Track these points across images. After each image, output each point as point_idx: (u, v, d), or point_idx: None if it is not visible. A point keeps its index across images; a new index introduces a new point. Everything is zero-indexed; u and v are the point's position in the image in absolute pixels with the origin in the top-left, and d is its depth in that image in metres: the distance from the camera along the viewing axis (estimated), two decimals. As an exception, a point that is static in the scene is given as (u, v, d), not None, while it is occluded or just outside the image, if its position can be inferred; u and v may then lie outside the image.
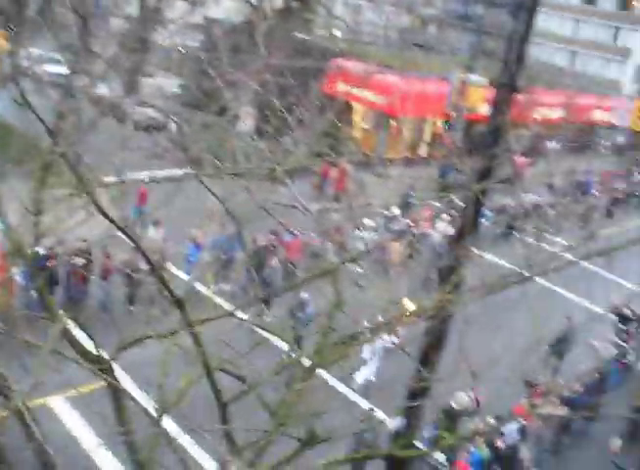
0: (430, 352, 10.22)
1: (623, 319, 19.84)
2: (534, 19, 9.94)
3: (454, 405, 14.21)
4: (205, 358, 7.21)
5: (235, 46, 9.03)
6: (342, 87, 32.21)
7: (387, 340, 15.57)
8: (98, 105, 8.96)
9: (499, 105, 10.11)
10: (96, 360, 7.45)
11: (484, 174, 9.32)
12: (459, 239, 9.85)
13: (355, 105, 36.87)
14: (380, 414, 13.88)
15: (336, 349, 7.18)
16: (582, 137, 48.65)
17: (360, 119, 38.09)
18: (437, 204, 25.87)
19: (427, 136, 39.87)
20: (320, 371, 7.61)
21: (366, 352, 15.90)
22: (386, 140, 37.48)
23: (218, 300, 16.31)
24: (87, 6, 21.68)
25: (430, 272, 20.81)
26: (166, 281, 7.18)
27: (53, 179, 7.17)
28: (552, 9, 63.44)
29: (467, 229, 9.64)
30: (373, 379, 16.53)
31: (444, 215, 24.48)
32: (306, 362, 7.49)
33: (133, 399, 7.84)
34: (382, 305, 6.97)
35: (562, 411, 14.36)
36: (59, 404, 14.17)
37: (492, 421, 12.92)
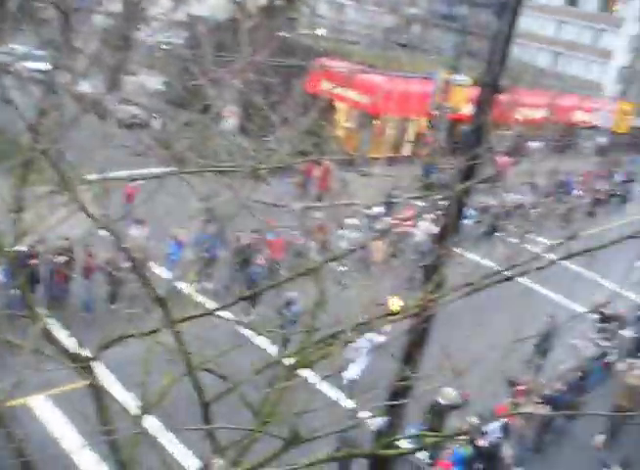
0: (412, 350, 10.25)
1: (605, 318, 19.98)
2: (518, 19, 9.97)
3: (441, 400, 14.28)
4: (188, 357, 7.19)
5: (219, 44, 8.99)
6: (325, 86, 32.18)
7: (371, 338, 15.59)
8: (80, 102, 8.88)
9: (482, 105, 10.14)
10: (77, 359, 7.41)
11: (467, 174, 9.34)
12: (442, 238, 9.87)
13: (339, 104, 36.86)
14: (363, 413, 13.92)
15: (318, 348, 7.18)
16: (565, 138, 48.98)
17: (344, 119, 38.10)
18: (421, 203, 25.91)
19: (410, 136, 39.94)
20: (303, 370, 7.60)
21: (349, 350, 15.92)
22: (369, 139, 37.53)
23: (201, 298, 16.28)
24: (69, 1, 21.51)
25: (413, 271, 20.86)
26: (148, 279, 7.15)
27: (34, 176, 7.13)
28: (535, 10, 63.78)
29: (449, 228, 9.66)
30: (356, 378, 16.55)
31: (427, 215, 24.52)
32: (289, 362, 7.48)
33: (114, 398, 7.80)
34: (365, 304, 6.97)
35: (544, 410, 14.44)
36: (40, 404, 14.07)
37: (475, 420, 12.97)
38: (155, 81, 39.25)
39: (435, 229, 16.91)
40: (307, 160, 8.96)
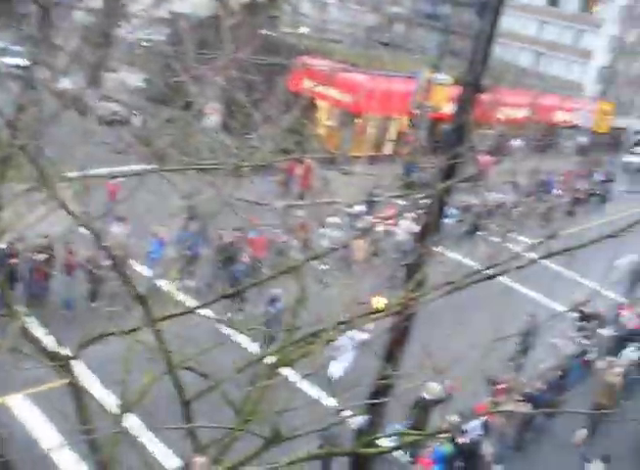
0: (394, 349, 10.27)
1: (584, 317, 20.11)
2: (500, 19, 10.01)
3: (426, 395, 14.35)
4: (168, 356, 7.15)
5: (201, 41, 8.95)
6: (307, 84, 32.18)
7: (352, 336, 15.60)
8: (60, 98, 8.82)
9: (464, 104, 10.17)
10: (57, 358, 7.36)
11: (449, 173, 9.37)
12: (423, 237, 9.89)
13: (321, 102, 36.85)
14: (344, 412, 13.93)
15: (299, 346, 7.17)
16: (546, 137, 49.26)
17: (326, 117, 38.09)
18: (402, 202, 25.98)
19: (392, 134, 40.00)
20: (284, 369, 7.59)
21: (331, 348, 15.94)
22: (351, 138, 37.54)
23: (183, 296, 16.21)
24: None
25: (394, 270, 20.89)
26: (129, 277, 7.11)
27: (12, 173, 7.05)
28: (517, 10, 64.10)
29: (431, 227, 9.69)
30: (340, 375, 16.60)
31: (409, 213, 24.58)
32: (270, 360, 7.46)
33: (94, 397, 7.75)
34: (346, 303, 6.97)
35: (524, 408, 14.52)
36: (18, 403, 13.94)
37: (455, 418, 13.01)
38: (135, 78, 39.04)
39: (417, 228, 16.95)
40: (289, 158, 8.95)
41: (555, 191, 36.36)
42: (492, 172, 33.67)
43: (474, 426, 14.11)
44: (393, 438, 9.96)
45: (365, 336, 15.56)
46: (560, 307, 21.00)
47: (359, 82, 35.52)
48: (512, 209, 30.90)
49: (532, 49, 69.26)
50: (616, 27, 65.06)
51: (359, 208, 25.33)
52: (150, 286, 7.33)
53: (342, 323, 6.90)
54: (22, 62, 13.25)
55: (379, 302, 9.29)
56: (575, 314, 19.89)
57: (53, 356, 7.38)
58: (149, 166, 7.21)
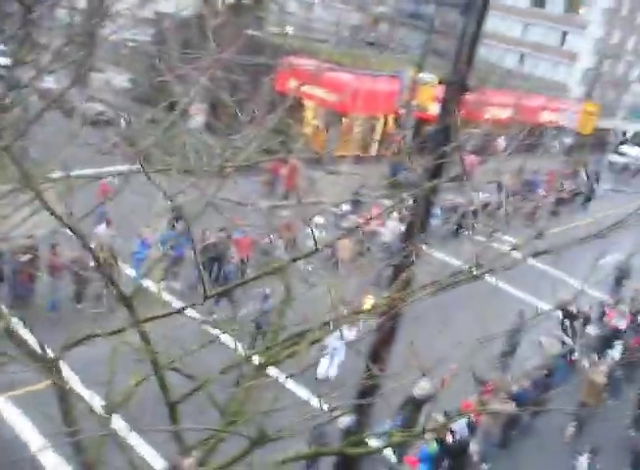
0: (380, 348, 10.25)
1: (570, 316, 20.20)
2: (484, 20, 10.02)
3: (416, 393, 14.38)
4: (154, 357, 7.12)
5: (186, 41, 8.93)
6: (293, 84, 32.16)
7: (338, 337, 15.61)
8: (44, 98, 8.74)
9: (449, 103, 10.17)
10: (42, 359, 7.31)
11: (435, 173, 9.37)
12: (409, 237, 9.89)
13: (306, 102, 36.84)
14: (332, 411, 13.94)
15: (285, 347, 7.16)
16: (531, 137, 49.38)
17: (311, 117, 38.08)
18: (388, 201, 25.98)
19: (377, 134, 40.03)
20: (272, 369, 7.58)
21: (320, 347, 15.99)
22: (337, 137, 37.54)
23: (168, 297, 16.15)
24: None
25: (381, 270, 20.86)
26: (114, 279, 7.07)
27: (-4, 174, 7.00)
28: (502, 11, 64.40)
29: (417, 227, 9.68)
30: (331, 374, 16.66)
31: (395, 213, 24.59)
32: (257, 360, 7.45)
33: (80, 398, 7.70)
34: (332, 303, 6.96)
35: (510, 407, 14.57)
36: (2, 406, 13.84)
37: (441, 418, 13.04)
38: (120, 78, 38.86)
39: (403, 228, 16.98)
40: (275, 158, 8.93)
41: (540, 190, 36.51)
42: (478, 172, 33.75)
43: (460, 425, 14.15)
44: (381, 437, 9.97)
45: (354, 334, 15.58)
46: (546, 306, 21.08)
47: (345, 82, 35.52)
48: (497, 208, 30.98)
49: (517, 50, 69.59)
50: (600, 29, 65.49)
51: (345, 207, 25.34)
52: (135, 287, 7.29)
53: (328, 323, 6.89)
54: (6, 61, 13.14)
55: (370, 301, 9.30)
56: (561, 313, 19.99)
57: (39, 358, 7.33)
58: (133, 167, 7.17)
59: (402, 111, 36.91)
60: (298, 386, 14.19)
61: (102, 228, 18.47)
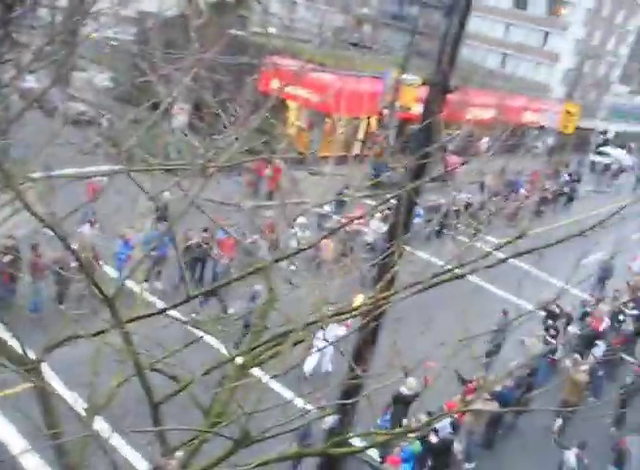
0: (363, 349, 10.27)
1: (552, 316, 20.31)
2: (467, 21, 10.06)
3: (404, 390, 14.42)
4: (137, 358, 7.08)
5: (168, 40, 8.89)
6: (276, 84, 32.07)
7: (320, 337, 15.61)
8: (25, 97, 8.66)
9: (432, 104, 10.20)
10: (23, 361, 7.24)
11: (417, 173, 9.40)
12: (392, 237, 9.90)
13: (290, 102, 36.84)
14: (316, 411, 13.93)
15: (268, 347, 7.15)
16: (513, 137, 49.62)
17: (295, 117, 38.09)
18: (371, 202, 25.99)
19: (361, 134, 40.08)
20: (255, 369, 7.56)
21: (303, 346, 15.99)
22: (320, 138, 37.56)
23: (151, 298, 16.08)
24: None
25: (364, 270, 20.87)
26: (96, 279, 7.02)
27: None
28: (484, 12, 64.72)
29: (400, 227, 9.70)
30: (307, 373, 16.65)
31: (377, 213, 24.63)
32: (240, 361, 7.43)
33: (62, 400, 7.65)
34: (315, 303, 6.95)
35: (493, 406, 14.63)
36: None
37: (424, 417, 13.07)
38: (102, 77, 38.62)
39: (386, 228, 17.01)
40: (258, 158, 8.92)
41: (522, 191, 36.70)
42: (460, 172, 33.87)
43: (444, 424, 14.19)
44: (365, 437, 9.98)
45: (343, 330, 15.60)
46: (528, 306, 21.20)
47: (328, 82, 35.55)
48: (480, 209, 31.11)
49: (500, 51, 69.98)
50: (582, 30, 65.97)
51: (328, 208, 25.34)
52: (117, 287, 7.25)
53: (312, 324, 6.88)
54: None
55: (360, 300, 9.28)
56: (543, 313, 20.10)
57: (20, 360, 7.26)
58: (116, 167, 7.13)
59: (385, 111, 37.02)
60: (283, 387, 14.19)
61: (86, 228, 18.37)
